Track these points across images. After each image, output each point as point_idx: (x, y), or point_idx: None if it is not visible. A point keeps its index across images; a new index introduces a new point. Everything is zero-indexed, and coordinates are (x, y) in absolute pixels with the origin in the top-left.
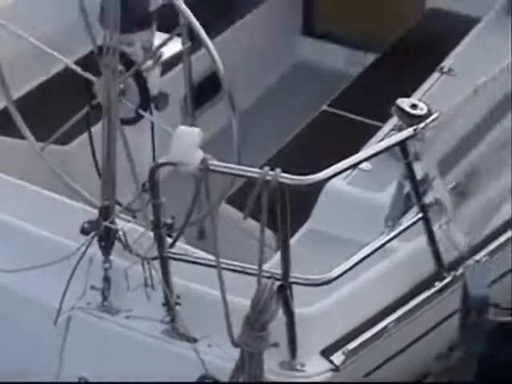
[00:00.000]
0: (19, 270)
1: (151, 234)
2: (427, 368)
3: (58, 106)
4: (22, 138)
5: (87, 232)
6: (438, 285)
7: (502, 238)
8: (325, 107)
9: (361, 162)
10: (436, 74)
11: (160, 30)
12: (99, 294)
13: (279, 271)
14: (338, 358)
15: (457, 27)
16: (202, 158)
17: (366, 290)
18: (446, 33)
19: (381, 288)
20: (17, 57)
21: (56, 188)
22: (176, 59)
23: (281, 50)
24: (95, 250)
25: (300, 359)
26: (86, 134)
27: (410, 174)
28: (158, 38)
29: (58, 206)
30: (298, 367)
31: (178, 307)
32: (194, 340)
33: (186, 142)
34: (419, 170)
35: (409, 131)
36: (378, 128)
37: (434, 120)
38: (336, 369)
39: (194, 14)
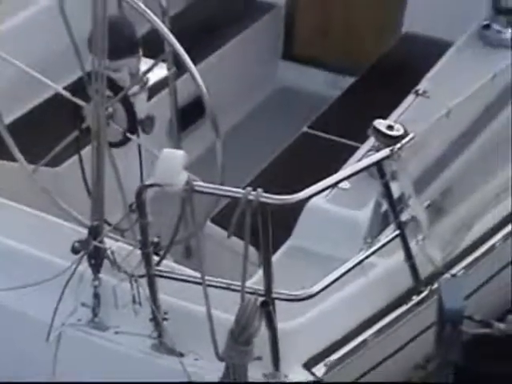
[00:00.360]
0: (12, 288)
1: (139, 252)
2: (406, 378)
3: (49, 130)
4: (14, 160)
5: (77, 251)
6: (416, 298)
7: (476, 253)
8: (305, 129)
9: (340, 181)
10: (411, 97)
11: (146, 56)
12: (89, 310)
13: (262, 287)
14: (319, 369)
15: (431, 51)
16: (187, 179)
17: (346, 304)
18: (420, 56)
19: (360, 302)
20: (10, 83)
21: (47, 208)
22: (162, 84)
23: (263, 74)
24: (85, 268)
25: (283, 371)
26: (76, 157)
27: (387, 192)
28: (145, 63)
29: (49, 225)
30: (282, 378)
31: (165, 323)
32: (181, 354)
33: (172, 164)
34: (396, 189)
35: (385, 152)
36: (357, 148)
37: (409, 141)
38: (318, 380)
39: (179, 41)
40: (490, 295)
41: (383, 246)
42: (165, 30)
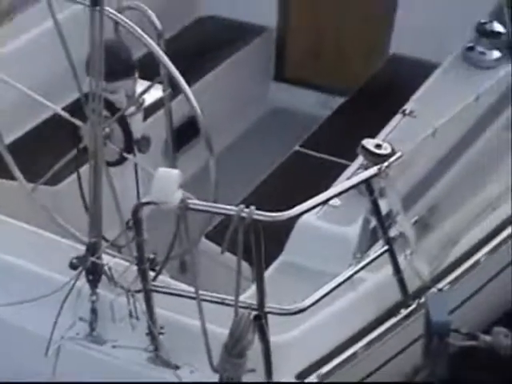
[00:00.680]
0: (11, 303)
1: (135, 268)
2: None
3: (48, 150)
4: (14, 179)
5: (75, 267)
6: (404, 312)
7: (462, 268)
8: (297, 148)
9: (330, 199)
10: (399, 116)
11: (142, 78)
12: (87, 324)
13: (255, 302)
14: (311, 381)
15: (418, 72)
16: (182, 197)
17: (336, 317)
18: (407, 77)
19: (351, 315)
20: (10, 104)
21: (46, 226)
22: (157, 105)
23: (255, 95)
24: (83, 283)
25: None
26: (74, 175)
27: (376, 209)
28: (141, 85)
29: (48, 242)
30: None
31: (161, 336)
32: (177, 367)
33: (167, 183)
34: (384, 206)
35: (374, 170)
36: (346, 166)
37: (397, 159)
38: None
39: (174, 63)
40: (475, 308)
41: (372, 261)
42: (160, 53)
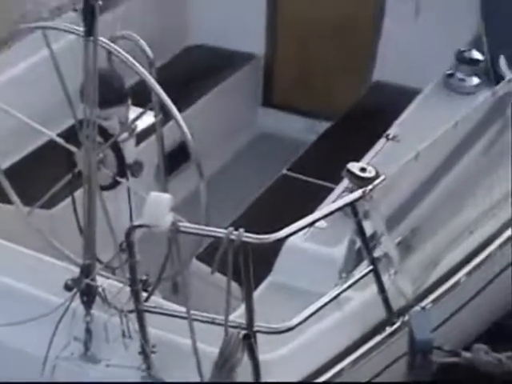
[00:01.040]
0: (7, 324)
1: (128, 289)
2: None
3: (44, 174)
4: (11, 203)
5: (70, 288)
6: (388, 330)
7: (444, 287)
8: (284, 171)
9: (316, 221)
10: (382, 141)
11: (135, 104)
12: (82, 344)
13: (245, 321)
14: None
15: (400, 98)
16: (173, 220)
17: (324, 335)
18: (390, 103)
19: (337, 333)
20: (8, 130)
21: (42, 248)
22: (149, 131)
23: (244, 121)
24: (78, 304)
25: None
26: (69, 199)
27: (361, 231)
28: (133, 112)
29: (43, 264)
30: None
31: (153, 355)
32: None
33: (158, 207)
34: (368, 228)
35: (358, 193)
36: (332, 189)
37: (380, 182)
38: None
39: (165, 91)
40: (457, 326)
41: (358, 280)
42: (152, 80)
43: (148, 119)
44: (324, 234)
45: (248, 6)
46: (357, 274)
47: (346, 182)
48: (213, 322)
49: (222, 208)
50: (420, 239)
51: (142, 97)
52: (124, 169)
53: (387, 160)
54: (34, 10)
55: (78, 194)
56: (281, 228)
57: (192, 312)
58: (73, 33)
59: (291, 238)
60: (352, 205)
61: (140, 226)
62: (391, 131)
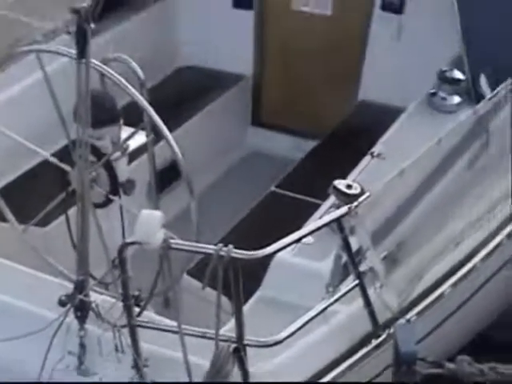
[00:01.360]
0: (4, 339)
1: (121, 304)
2: None
3: (38, 193)
4: (6, 220)
5: (64, 304)
6: (374, 342)
7: (429, 299)
8: (273, 188)
9: (303, 237)
10: (368, 158)
11: (127, 124)
12: (76, 358)
13: (235, 334)
14: None
15: (385, 117)
16: (164, 237)
17: (311, 348)
18: (375, 122)
19: (324, 346)
20: (3, 150)
21: (36, 265)
22: (141, 150)
23: (233, 140)
24: (72, 319)
25: None
26: (63, 217)
27: (347, 246)
28: (125, 131)
29: (38, 281)
30: None
31: (145, 369)
32: None
33: (150, 224)
34: (354, 243)
35: (344, 209)
36: (319, 206)
37: (365, 199)
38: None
39: (156, 111)
40: (441, 338)
41: (344, 294)
42: (143, 101)
43: (140, 139)
44: (311, 249)
45: (236, 29)
46: (343, 288)
47: (332, 199)
48: (204, 336)
49: (212, 224)
50: (405, 253)
51: (133, 117)
52: (116, 187)
53: (372, 177)
54: (28, 34)
55: (72, 211)
56: (269, 244)
57: (183, 326)
58: (66, 55)
59: (279, 254)
60: (338, 221)
61: (132, 243)
62: (376, 149)
